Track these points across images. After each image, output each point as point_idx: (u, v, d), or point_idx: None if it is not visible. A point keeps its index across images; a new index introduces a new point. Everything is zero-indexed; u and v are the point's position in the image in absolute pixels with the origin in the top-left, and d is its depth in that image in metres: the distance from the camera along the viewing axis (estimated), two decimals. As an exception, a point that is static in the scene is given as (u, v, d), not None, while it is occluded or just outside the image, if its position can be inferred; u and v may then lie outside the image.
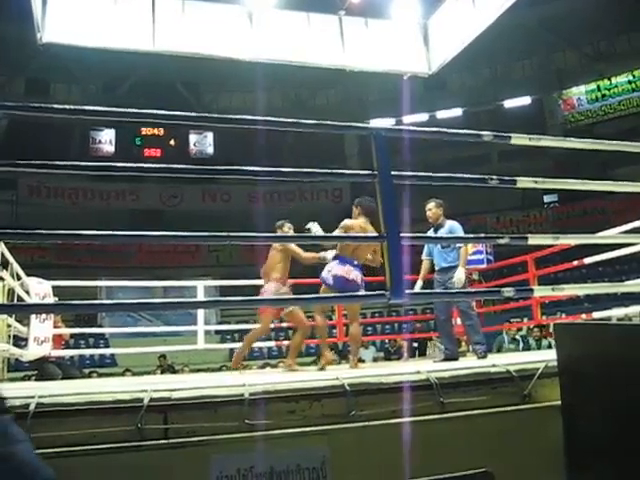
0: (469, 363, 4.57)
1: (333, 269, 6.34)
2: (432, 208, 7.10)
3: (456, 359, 6.74)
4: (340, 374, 3.36)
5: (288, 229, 6.79)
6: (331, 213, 22.74)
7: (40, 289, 7.70)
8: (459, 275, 6.72)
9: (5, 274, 6.55)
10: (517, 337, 12.55)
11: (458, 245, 6.94)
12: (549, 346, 12.41)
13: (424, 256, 7.39)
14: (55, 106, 3.61)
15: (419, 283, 7.38)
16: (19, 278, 7.26)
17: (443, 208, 7.14)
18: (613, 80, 24.73)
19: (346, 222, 6.38)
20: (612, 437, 2.83)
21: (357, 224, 6.36)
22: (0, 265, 6.34)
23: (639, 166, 15.88)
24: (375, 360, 14.22)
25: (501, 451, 3.01)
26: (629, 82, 24.43)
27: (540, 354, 5.95)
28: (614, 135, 15.29)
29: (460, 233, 6.96)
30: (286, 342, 14.68)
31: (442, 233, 6.96)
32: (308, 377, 3.62)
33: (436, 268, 7.15)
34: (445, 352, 7.03)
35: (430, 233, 7.14)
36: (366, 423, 2.92)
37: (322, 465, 2.77)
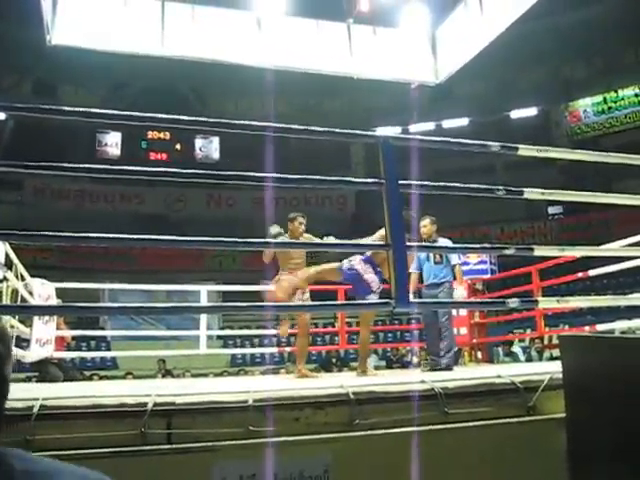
0: (474, 373, 4.55)
1: (353, 261, 6.27)
2: (427, 225, 7.24)
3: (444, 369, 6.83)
4: (345, 382, 3.35)
5: (299, 224, 6.66)
6: (335, 220, 22.79)
7: (44, 291, 7.71)
8: (460, 294, 6.90)
9: (9, 275, 6.55)
10: (513, 350, 12.54)
11: (453, 263, 7.26)
12: (551, 358, 12.40)
13: (413, 269, 7.42)
14: (63, 108, 3.62)
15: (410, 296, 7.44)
16: (23, 279, 7.26)
17: (437, 225, 7.32)
18: (620, 93, 24.70)
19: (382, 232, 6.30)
20: (616, 451, 2.81)
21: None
22: (4, 266, 6.35)
23: (645, 179, 15.85)
24: (376, 369, 14.20)
25: (505, 462, 2.99)
26: (636, 95, 24.40)
27: (544, 366, 5.93)
28: (620, 148, 15.25)
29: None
30: (288, 349, 14.72)
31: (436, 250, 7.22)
32: (312, 385, 3.61)
33: (425, 282, 7.37)
34: (433, 361, 7.15)
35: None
36: (370, 432, 2.90)
37: (325, 473, 2.76)
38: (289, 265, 6.69)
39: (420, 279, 7.51)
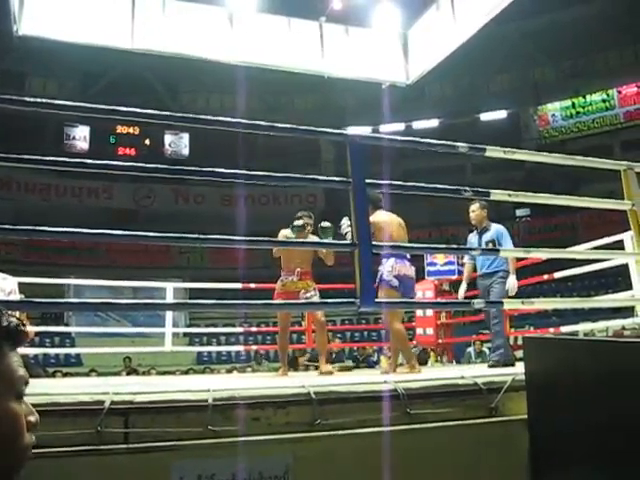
0: (437, 374, 4.55)
1: (395, 268, 5.90)
2: (476, 210, 6.85)
3: (513, 365, 6.26)
4: (307, 381, 3.33)
5: (305, 223, 6.50)
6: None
7: (5, 285, 7.55)
8: (512, 282, 6.49)
9: (-30, 269, 6.43)
10: (484, 349, 12.61)
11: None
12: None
13: (466, 260, 7.31)
14: (25, 99, 3.54)
15: (464, 286, 7.25)
16: (-16, 273, 7.12)
17: (487, 210, 6.89)
18: (588, 98, 25.06)
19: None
20: (577, 453, 2.83)
21: (381, 220, 6.06)
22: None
23: (610, 183, 16.03)
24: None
25: (467, 464, 2.99)
26: (603, 101, 24.77)
27: (507, 367, 5.95)
28: (586, 152, 15.41)
29: (507, 238, 6.72)
30: (254, 347, 14.64)
31: (488, 237, 6.74)
32: (274, 384, 3.58)
33: (478, 272, 6.94)
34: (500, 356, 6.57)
35: (474, 236, 6.96)
36: (332, 432, 2.88)
37: (285, 474, 2.73)
38: (290, 265, 6.55)
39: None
